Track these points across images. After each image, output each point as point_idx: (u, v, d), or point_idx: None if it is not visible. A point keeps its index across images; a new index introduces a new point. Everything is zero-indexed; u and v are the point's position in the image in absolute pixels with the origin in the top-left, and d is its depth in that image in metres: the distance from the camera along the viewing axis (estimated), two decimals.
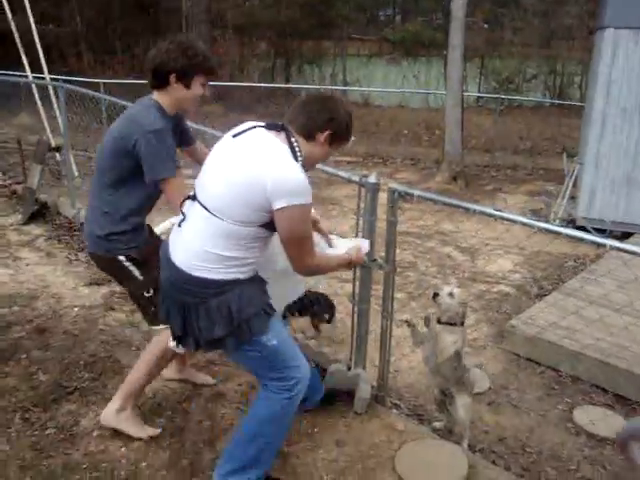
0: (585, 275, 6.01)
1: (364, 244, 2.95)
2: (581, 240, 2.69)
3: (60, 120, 7.48)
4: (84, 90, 7.35)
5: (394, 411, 3.62)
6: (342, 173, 3.56)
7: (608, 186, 7.90)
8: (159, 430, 3.17)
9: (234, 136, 2.43)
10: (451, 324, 3.24)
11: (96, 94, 7.69)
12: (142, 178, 2.78)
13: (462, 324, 3.29)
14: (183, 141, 3.11)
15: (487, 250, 7.29)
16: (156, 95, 2.85)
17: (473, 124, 14.33)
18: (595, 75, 8.01)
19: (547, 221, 7.98)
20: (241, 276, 2.43)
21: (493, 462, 3.30)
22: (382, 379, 3.65)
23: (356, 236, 3.35)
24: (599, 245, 2.61)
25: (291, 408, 2.66)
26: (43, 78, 8.59)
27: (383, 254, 3.40)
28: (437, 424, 3.66)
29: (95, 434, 3.15)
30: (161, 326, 2.99)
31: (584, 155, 8.10)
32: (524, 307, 5.47)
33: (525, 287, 6.19)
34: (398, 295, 4.74)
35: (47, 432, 3.16)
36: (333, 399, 3.52)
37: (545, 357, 4.54)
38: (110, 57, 17.65)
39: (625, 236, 7.51)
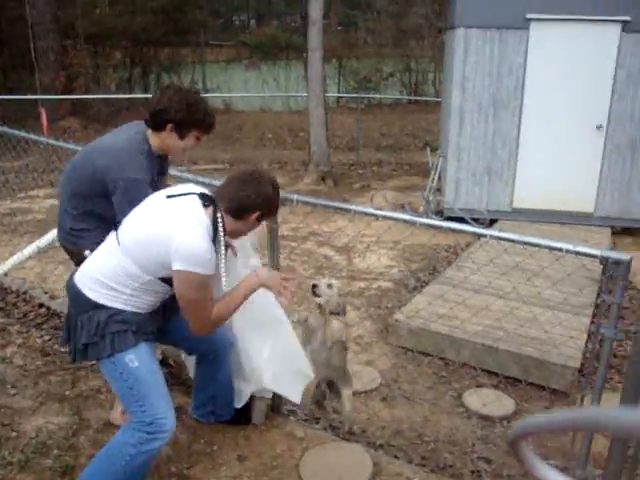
0: (459, 263, 6.26)
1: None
2: (462, 232, 2.77)
3: None
4: None
5: (291, 418, 3.58)
6: (215, 182, 3.49)
7: (471, 177, 8.29)
8: None
9: (168, 197, 2.52)
10: (335, 313, 3.33)
11: None
12: (107, 202, 2.87)
13: (344, 314, 3.41)
14: (160, 172, 3.15)
15: (362, 248, 7.42)
16: (149, 133, 2.94)
17: (336, 124, 14.57)
18: (450, 72, 8.36)
19: (420, 214, 8.25)
20: (127, 308, 2.51)
21: (395, 456, 3.34)
22: None
23: None
24: (479, 235, 2.69)
25: (145, 448, 2.50)
26: None
27: (265, 260, 3.37)
28: (319, 424, 3.71)
29: None
30: None
31: (446, 149, 8.44)
32: (404, 300, 5.61)
33: (403, 280, 6.35)
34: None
35: None
36: (248, 421, 3.43)
37: (431, 347, 4.67)
38: None
39: (490, 222, 7.90)
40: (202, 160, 12.49)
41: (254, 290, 2.72)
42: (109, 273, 2.47)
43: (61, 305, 4.75)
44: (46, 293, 5.07)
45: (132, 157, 2.87)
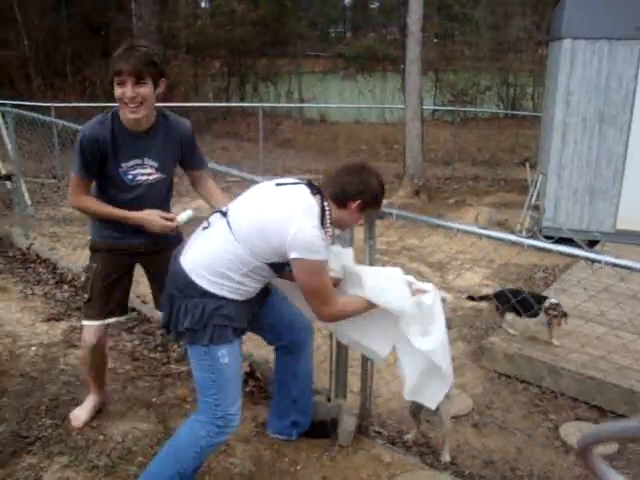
0: (557, 286, 5.95)
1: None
2: (574, 256, 2.58)
3: (9, 146, 7.16)
4: (34, 114, 7.08)
5: (379, 441, 3.44)
6: None
7: (572, 196, 7.92)
8: None
9: (277, 185, 2.64)
10: None
11: (46, 118, 7.45)
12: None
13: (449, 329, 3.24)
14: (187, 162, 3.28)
15: (456, 264, 7.20)
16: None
17: (431, 137, 14.35)
18: (553, 85, 8.03)
19: (519, 233, 7.96)
20: (232, 297, 2.57)
21: None
22: (365, 408, 3.48)
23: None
24: (592, 261, 2.49)
25: (214, 440, 2.67)
26: None
27: None
28: (409, 436, 3.59)
29: None
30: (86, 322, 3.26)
31: (546, 166, 8.09)
32: (500, 322, 5.37)
33: None
34: None
35: None
36: (327, 435, 3.38)
37: (527, 373, 4.43)
38: (60, 80, 17.24)
39: (591, 244, 7.51)
40: (296, 169, 12.55)
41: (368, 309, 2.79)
42: (221, 260, 2.52)
43: (151, 310, 4.80)
44: (137, 297, 5.14)
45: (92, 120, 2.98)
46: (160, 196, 3.17)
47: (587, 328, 4.54)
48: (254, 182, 3.30)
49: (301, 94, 21.81)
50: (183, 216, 3.15)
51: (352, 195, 2.61)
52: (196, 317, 2.52)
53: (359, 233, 3.22)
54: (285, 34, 21.50)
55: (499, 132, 16.86)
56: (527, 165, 9.55)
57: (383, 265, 6.41)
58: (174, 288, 2.60)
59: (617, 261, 2.32)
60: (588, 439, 1.08)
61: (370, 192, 2.64)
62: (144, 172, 3.04)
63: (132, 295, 5.08)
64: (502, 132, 16.84)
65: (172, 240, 3.08)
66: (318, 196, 2.61)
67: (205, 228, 2.66)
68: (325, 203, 2.60)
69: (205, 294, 2.52)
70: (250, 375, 3.70)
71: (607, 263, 2.34)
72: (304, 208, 2.52)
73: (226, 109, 18.10)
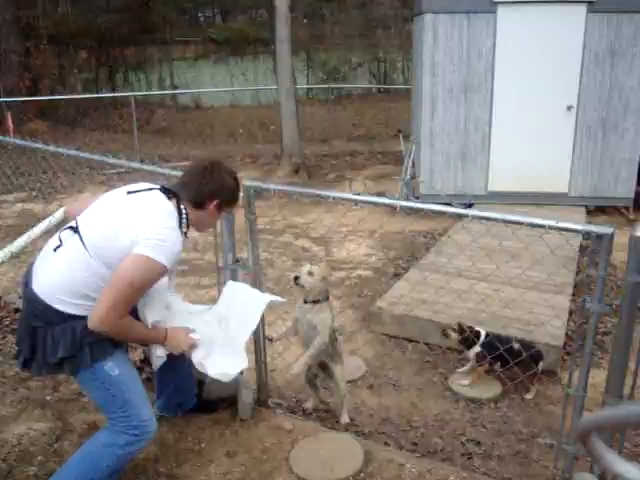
0: (437, 249, 6.25)
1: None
2: (441, 213, 2.74)
3: None
4: None
5: (278, 411, 3.54)
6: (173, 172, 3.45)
7: (445, 162, 8.30)
8: None
9: (129, 193, 2.52)
10: (317, 301, 3.27)
11: None
12: None
13: (327, 298, 3.34)
14: None
15: (339, 238, 7.39)
16: None
17: (307, 116, 14.51)
18: (420, 59, 8.34)
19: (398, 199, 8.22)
20: None
21: (385, 443, 3.31)
22: (261, 381, 3.57)
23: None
24: (460, 215, 2.67)
25: (133, 448, 2.57)
26: None
27: (244, 255, 3.32)
28: (308, 404, 3.72)
29: None
30: None
31: (419, 135, 8.43)
32: (385, 288, 5.58)
33: (382, 269, 6.33)
34: None
35: None
36: (215, 410, 3.42)
37: (415, 333, 4.65)
38: None
39: (467, 207, 7.91)
40: (174, 158, 12.37)
41: (156, 342, 2.70)
42: (79, 281, 2.39)
43: None
44: (21, 298, 4.95)
45: None
46: None
47: (463, 283, 4.81)
48: (136, 171, 3.29)
49: (173, 81, 21.40)
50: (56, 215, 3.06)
51: (208, 196, 2.57)
52: (68, 343, 2.39)
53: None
54: (152, 20, 20.94)
55: (373, 107, 17.30)
56: (401, 136, 9.87)
57: (269, 243, 6.51)
58: (34, 318, 2.43)
59: (482, 214, 2.50)
60: (587, 425, 1.11)
61: (226, 190, 2.62)
62: None
63: (14, 296, 4.97)
64: (375, 106, 17.29)
65: None
66: (174, 200, 2.53)
67: (57, 248, 2.48)
68: (182, 206, 2.53)
69: (70, 318, 2.40)
70: (144, 362, 3.68)
71: (474, 217, 2.52)
72: (160, 212, 2.45)
73: (97, 101, 17.47)
